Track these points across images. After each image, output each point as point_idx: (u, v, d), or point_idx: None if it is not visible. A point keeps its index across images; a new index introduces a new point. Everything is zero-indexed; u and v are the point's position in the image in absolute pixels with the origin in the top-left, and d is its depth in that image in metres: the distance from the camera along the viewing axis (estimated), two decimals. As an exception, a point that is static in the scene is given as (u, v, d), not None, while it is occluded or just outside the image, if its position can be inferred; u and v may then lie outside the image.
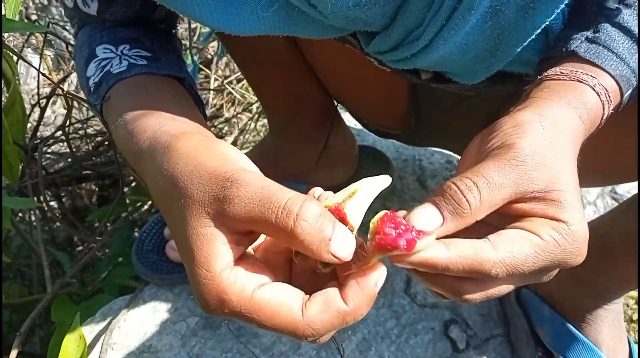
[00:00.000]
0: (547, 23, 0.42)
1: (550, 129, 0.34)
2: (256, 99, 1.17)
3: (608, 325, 0.63)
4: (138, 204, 1.10)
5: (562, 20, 0.44)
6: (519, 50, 0.44)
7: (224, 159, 0.34)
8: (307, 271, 0.35)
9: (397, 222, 0.31)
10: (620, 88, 0.40)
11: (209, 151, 0.35)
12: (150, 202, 1.08)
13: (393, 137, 0.79)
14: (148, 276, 0.72)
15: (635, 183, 0.62)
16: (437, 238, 0.31)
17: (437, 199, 0.32)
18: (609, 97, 0.39)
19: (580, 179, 0.67)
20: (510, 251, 0.31)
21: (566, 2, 0.40)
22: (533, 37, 0.43)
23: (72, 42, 1.17)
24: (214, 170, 0.32)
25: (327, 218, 0.31)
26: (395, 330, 0.73)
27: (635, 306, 1.11)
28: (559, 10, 0.41)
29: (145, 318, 0.70)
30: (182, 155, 0.35)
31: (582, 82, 0.38)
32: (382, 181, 0.36)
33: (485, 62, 0.47)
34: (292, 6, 0.42)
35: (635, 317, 1.11)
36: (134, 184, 1.13)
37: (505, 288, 0.33)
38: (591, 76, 0.38)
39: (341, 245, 0.31)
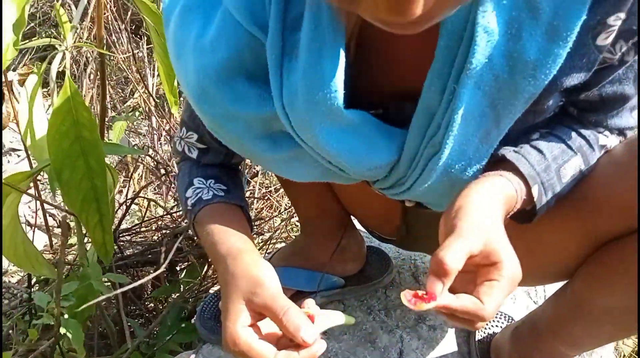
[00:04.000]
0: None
1: (477, 208, 0.57)
2: (289, 204, 1.47)
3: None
4: (189, 285, 1.36)
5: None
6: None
7: (260, 272, 0.64)
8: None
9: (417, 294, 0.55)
10: (527, 182, 0.63)
11: (254, 266, 0.66)
12: (199, 285, 1.34)
13: (390, 242, 1.07)
14: (207, 337, 0.98)
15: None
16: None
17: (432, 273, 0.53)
18: (520, 187, 0.63)
19: (529, 279, 0.95)
20: (492, 302, 0.53)
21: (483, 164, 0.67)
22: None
23: (157, 158, 1.50)
24: (253, 277, 0.64)
25: (302, 319, 0.60)
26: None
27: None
28: (480, 170, 0.68)
29: (203, 368, 0.95)
30: (238, 265, 0.66)
31: (501, 176, 0.63)
32: (349, 319, 0.65)
33: (449, 196, 0.73)
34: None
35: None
36: (187, 270, 1.41)
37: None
38: (506, 172, 0.63)
39: (307, 335, 0.59)
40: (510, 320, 1.06)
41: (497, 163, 0.66)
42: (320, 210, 1.04)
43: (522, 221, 0.69)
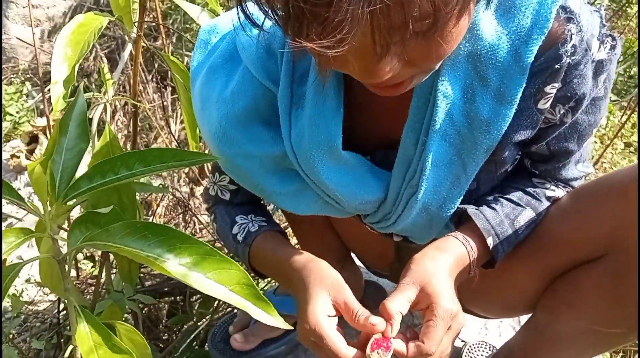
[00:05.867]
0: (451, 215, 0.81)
1: (418, 266, 0.71)
2: (295, 242, 1.59)
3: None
4: (202, 315, 1.47)
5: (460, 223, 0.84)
6: (443, 225, 0.84)
7: (339, 277, 0.73)
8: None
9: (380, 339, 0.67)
10: (482, 235, 0.76)
11: (332, 270, 0.75)
12: (209, 316, 1.46)
13: (385, 277, 1.18)
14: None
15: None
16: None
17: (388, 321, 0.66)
18: (471, 244, 0.76)
19: (498, 311, 1.06)
20: (432, 340, 0.65)
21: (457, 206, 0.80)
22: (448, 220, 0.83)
23: (178, 197, 1.64)
24: (336, 280, 0.72)
25: (370, 313, 0.68)
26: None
27: None
28: (454, 208, 0.81)
29: (213, 385, 1.06)
30: (321, 268, 0.75)
31: (453, 237, 0.76)
32: None
33: (429, 231, 0.87)
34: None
35: None
36: (200, 301, 1.52)
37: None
38: (459, 233, 0.76)
39: (375, 319, 0.66)
40: (493, 350, 1.16)
41: (461, 216, 0.81)
42: (322, 245, 1.15)
43: (486, 267, 0.81)
